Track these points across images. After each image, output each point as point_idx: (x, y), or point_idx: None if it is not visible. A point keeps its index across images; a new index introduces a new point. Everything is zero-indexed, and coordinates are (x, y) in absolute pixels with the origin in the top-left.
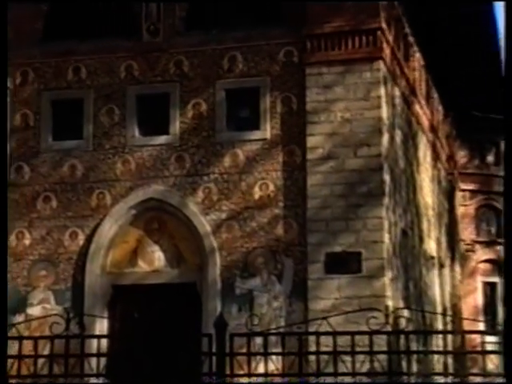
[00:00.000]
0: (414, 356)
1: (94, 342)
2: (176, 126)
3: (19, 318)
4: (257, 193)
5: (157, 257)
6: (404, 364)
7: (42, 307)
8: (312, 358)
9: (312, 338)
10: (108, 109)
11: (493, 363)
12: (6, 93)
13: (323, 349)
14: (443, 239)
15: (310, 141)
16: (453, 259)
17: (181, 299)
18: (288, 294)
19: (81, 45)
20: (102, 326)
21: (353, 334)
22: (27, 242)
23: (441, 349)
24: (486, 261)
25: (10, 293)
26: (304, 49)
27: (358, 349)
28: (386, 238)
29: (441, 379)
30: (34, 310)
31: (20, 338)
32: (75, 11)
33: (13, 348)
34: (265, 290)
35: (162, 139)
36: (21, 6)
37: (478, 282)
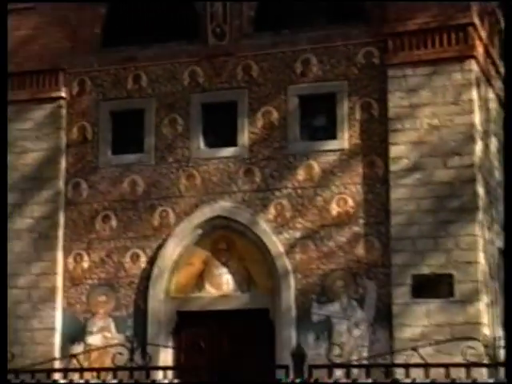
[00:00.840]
0: None
1: (159, 373)
2: (244, 137)
3: (78, 347)
4: (334, 209)
5: (225, 280)
6: None
7: (102, 335)
8: None
9: (400, 371)
10: (171, 119)
11: None
12: (5, 96)
13: None
14: None
15: (394, 150)
16: None
17: (252, 327)
18: (371, 320)
19: (141, 51)
20: (166, 356)
21: (448, 366)
22: (85, 265)
23: None
24: None
25: (68, 320)
26: (385, 49)
27: None
28: (481, 258)
29: None
30: (94, 339)
31: (81, 370)
32: (135, 15)
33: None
34: (345, 317)
35: (229, 151)
36: (77, 10)
37: None
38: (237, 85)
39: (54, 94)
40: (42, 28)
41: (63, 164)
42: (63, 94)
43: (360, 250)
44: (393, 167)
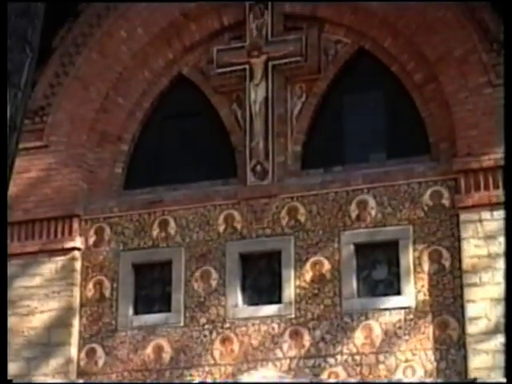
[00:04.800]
0: None
1: None
2: (290, 293)
3: None
4: (401, 380)
5: None
6: None
7: None
8: None
9: None
10: (203, 272)
11: None
12: (5, 101)
13: None
14: None
15: (471, 309)
16: None
17: None
18: None
19: (169, 193)
20: None
21: None
22: None
23: None
24: None
25: None
26: (457, 188)
27: None
28: None
29: None
30: None
31: None
32: (161, 152)
33: None
34: None
35: (272, 309)
36: (95, 148)
37: None
38: (281, 231)
39: (67, 245)
40: (54, 169)
41: (76, 327)
42: (78, 245)
43: None
44: (470, 329)
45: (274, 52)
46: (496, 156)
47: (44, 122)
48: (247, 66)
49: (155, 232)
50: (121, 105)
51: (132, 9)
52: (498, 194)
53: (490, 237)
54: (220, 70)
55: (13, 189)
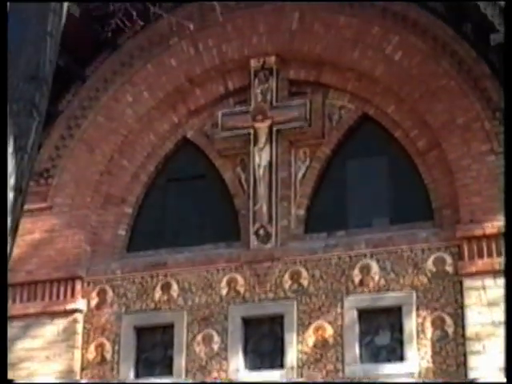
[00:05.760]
0: None
1: None
2: (293, 357)
3: None
4: None
5: None
6: None
7: None
8: None
9: None
10: (205, 335)
11: None
12: (5, 105)
13: None
14: None
15: (474, 377)
16: None
17: None
18: None
19: (172, 255)
20: None
21: None
22: None
23: None
24: None
25: None
26: (460, 255)
27: None
28: None
29: None
30: None
31: None
32: (165, 215)
33: None
34: None
35: (274, 375)
36: (99, 210)
37: None
38: (284, 295)
39: (70, 307)
40: (58, 230)
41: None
42: (80, 307)
43: None
44: None
45: (279, 116)
46: (499, 223)
47: (49, 184)
48: (252, 130)
49: (157, 295)
50: (125, 167)
51: (138, 74)
52: (501, 261)
53: (493, 304)
54: (224, 134)
55: (16, 250)
